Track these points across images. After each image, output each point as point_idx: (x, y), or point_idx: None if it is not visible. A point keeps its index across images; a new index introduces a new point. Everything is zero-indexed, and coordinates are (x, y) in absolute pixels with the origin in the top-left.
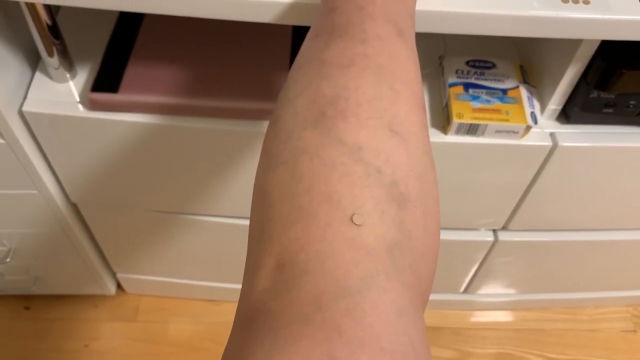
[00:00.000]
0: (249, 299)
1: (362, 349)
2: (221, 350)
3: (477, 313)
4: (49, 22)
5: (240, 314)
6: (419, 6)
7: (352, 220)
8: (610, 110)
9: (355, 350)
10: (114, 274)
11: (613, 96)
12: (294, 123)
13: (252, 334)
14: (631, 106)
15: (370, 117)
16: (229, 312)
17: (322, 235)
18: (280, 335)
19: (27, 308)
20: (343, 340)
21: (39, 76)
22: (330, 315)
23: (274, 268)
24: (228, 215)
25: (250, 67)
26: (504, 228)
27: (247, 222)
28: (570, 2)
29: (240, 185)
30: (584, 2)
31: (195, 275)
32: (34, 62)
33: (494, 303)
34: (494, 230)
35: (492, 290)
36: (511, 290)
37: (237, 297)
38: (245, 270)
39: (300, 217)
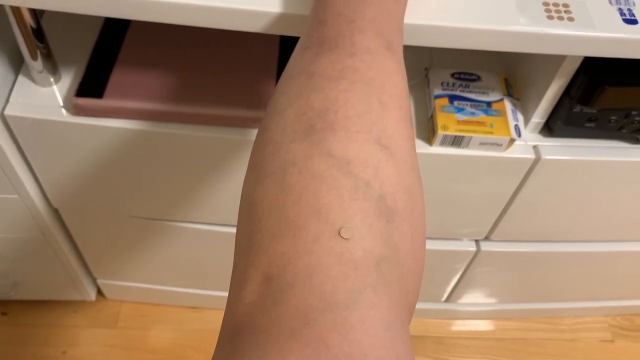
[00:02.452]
0: (236, 312)
1: None
2: (202, 357)
3: (459, 322)
4: (33, 25)
5: (226, 327)
6: (406, 20)
7: (340, 234)
8: (593, 125)
9: None
10: (94, 280)
11: (595, 111)
12: (283, 135)
13: (239, 347)
14: (612, 121)
15: (359, 130)
16: (211, 319)
17: (310, 249)
18: (268, 350)
19: (4, 314)
20: (331, 355)
21: (22, 80)
22: (318, 329)
23: (261, 281)
24: (211, 222)
25: (237, 75)
26: (487, 238)
27: (230, 230)
28: (555, 19)
29: (224, 193)
30: (568, 19)
31: (177, 282)
32: (17, 65)
33: (476, 312)
34: (477, 241)
35: (473, 299)
36: (492, 300)
37: (219, 305)
38: (231, 282)
39: (288, 230)
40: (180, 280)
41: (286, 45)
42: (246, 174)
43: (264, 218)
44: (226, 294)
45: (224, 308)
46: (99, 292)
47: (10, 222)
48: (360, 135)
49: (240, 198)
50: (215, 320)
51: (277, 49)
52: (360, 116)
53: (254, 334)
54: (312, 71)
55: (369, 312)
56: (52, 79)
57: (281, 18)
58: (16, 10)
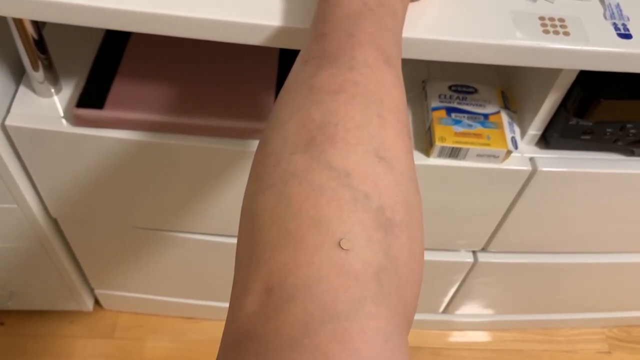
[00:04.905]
0: (237, 322)
1: None
2: None
3: (456, 333)
4: (35, 36)
5: (227, 336)
6: (404, 34)
7: (339, 245)
8: (588, 137)
9: None
10: (92, 290)
11: (591, 123)
12: (284, 147)
13: (240, 357)
14: (608, 133)
15: (359, 142)
16: (208, 330)
17: (310, 260)
18: None
19: (1, 324)
20: None
21: (23, 90)
22: (318, 340)
23: (262, 292)
24: (210, 233)
25: (237, 86)
26: (484, 249)
27: (228, 240)
28: (551, 33)
29: (223, 203)
30: (564, 34)
31: (175, 292)
32: (19, 75)
33: (473, 323)
34: (474, 252)
35: (471, 310)
36: (490, 311)
37: (216, 315)
38: (232, 292)
39: (288, 241)
40: (178, 291)
41: (285, 57)
42: (247, 185)
43: (264, 229)
44: (224, 304)
45: (222, 319)
46: (97, 302)
47: (8, 231)
48: (359, 148)
49: (241, 209)
50: (212, 330)
51: (277, 61)
52: (359, 129)
53: (255, 344)
54: (313, 84)
55: (369, 323)
56: (53, 90)
57: (281, 31)
58: (18, 22)
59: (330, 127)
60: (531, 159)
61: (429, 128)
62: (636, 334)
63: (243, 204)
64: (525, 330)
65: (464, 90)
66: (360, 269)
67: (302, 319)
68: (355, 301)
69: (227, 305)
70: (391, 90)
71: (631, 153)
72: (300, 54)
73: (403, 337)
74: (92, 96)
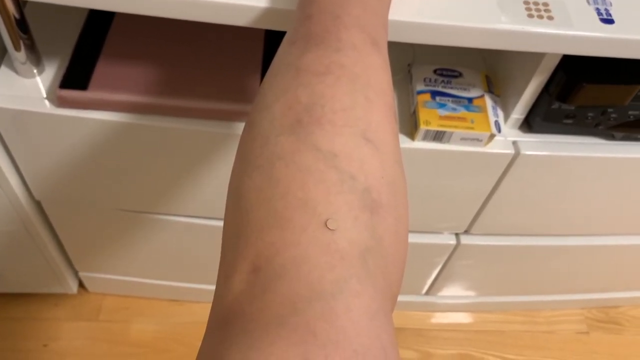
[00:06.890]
0: (224, 302)
1: (336, 351)
2: (185, 350)
3: (439, 314)
4: (17, 15)
5: (215, 316)
6: (390, 17)
7: (326, 226)
8: (570, 121)
9: (329, 352)
10: (76, 273)
11: (573, 108)
12: (271, 128)
13: (227, 335)
14: (589, 118)
15: (345, 124)
16: (194, 312)
17: (297, 240)
18: (256, 337)
19: None
20: (318, 342)
21: (4, 70)
22: (305, 318)
23: (249, 271)
24: (195, 215)
25: (222, 68)
26: (466, 232)
27: (214, 223)
28: (535, 18)
29: (209, 185)
30: (547, 18)
31: (160, 274)
32: (0, 56)
33: (455, 305)
34: (457, 234)
35: (453, 292)
36: (472, 293)
37: (202, 298)
38: (219, 273)
39: (275, 221)
40: (164, 273)
41: (271, 38)
42: (233, 167)
43: (251, 210)
44: (210, 287)
45: (208, 301)
46: (81, 284)
47: None
48: (346, 130)
49: (228, 191)
50: (198, 313)
51: (263, 43)
52: (346, 111)
53: (242, 322)
54: (299, 66)
55: (354, 301)
56: (35, 70)
57: (267, 12)
58: None
59: (317, 109)
60: (514, 143)
61: (414, 111)
62: (614, 314)
63: (230, 186)
64: (507, 312)
65: (449, 74)
66: (346, 248)
67: (289, 297)
68: (341, 280)
69: (213, 287)
70: (378, 73)
71: (612, 137)
72: (287, 35)
73: (388, 316)
74: (75, 77)
